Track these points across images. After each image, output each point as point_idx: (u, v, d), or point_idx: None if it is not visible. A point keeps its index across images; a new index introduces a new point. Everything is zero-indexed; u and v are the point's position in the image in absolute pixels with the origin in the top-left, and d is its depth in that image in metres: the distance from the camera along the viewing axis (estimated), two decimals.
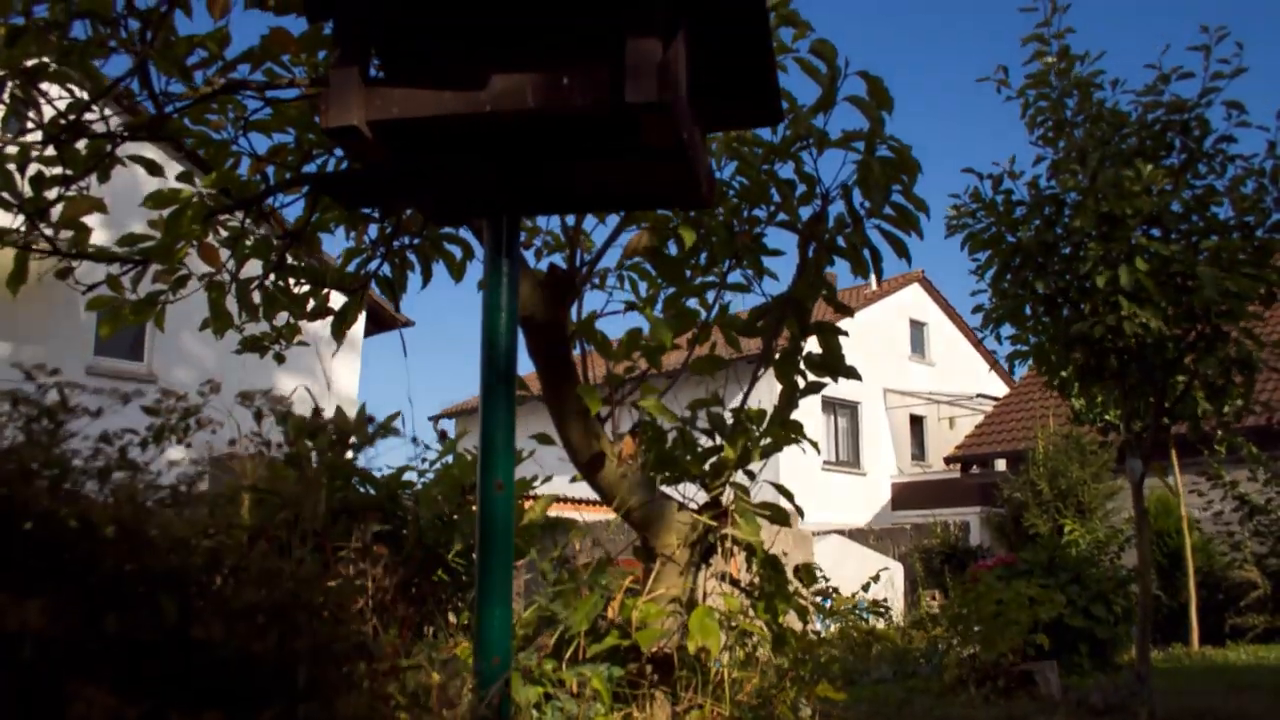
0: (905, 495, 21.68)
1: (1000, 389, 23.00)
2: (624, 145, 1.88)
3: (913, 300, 23.83)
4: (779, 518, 2.99)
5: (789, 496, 3.07)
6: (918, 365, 23.70)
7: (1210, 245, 3.44)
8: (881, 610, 7.24)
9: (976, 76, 3.92)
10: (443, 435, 4.13)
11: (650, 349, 2.85)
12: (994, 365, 18.48)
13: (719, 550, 2.88)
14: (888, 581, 14.05)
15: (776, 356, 3.21)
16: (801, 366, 3.25)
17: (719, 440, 3.10)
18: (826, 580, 11.81)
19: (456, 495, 3.50)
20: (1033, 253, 3.73)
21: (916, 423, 23.45)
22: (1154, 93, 3.85)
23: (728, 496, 2.84)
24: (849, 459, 21.78)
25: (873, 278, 3.24)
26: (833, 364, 3.28)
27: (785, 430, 3.14)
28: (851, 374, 3.48)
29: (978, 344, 24.36)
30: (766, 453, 3.03)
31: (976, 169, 3.94)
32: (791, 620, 3.03)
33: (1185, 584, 10.19)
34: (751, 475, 2.97)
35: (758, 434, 2.86)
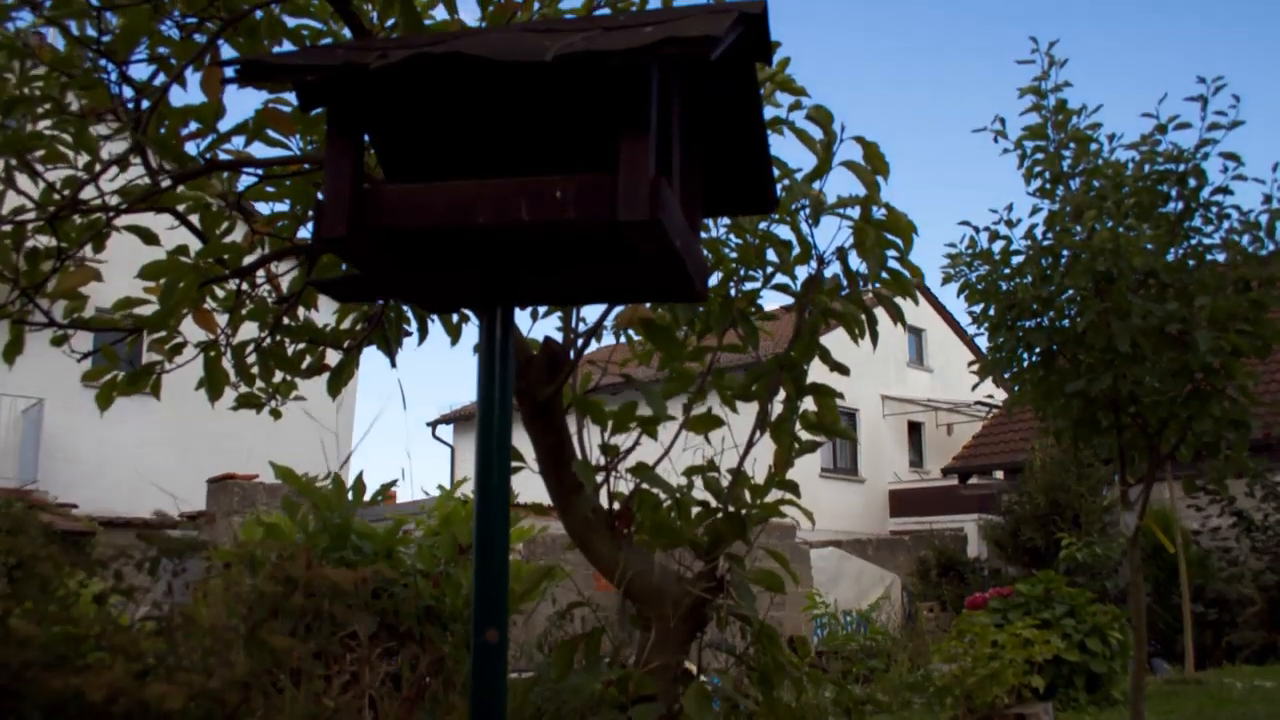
0: (903, 502, 21.70)
1: (999, 395, 23.01)
2: (618, 249, 1.89)
3: (911, 307, 23.79)
4: (774, 585, 3.00)
5: (784, 562, 3.07)
6: (916, 372, 23.71)
7: (1207, 305, 3.44)
8: (878, 641, 7.25)
9: (973, 128, 3.92)
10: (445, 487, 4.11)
11: (646, 420, 2.86)
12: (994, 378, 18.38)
13: (715, 620, 2.88)
14: (885, 595, 14.08)
15: (772, 419, 3.21)
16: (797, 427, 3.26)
17: (714, 503, 3.11)
18: (825, 604, 11.81)
19: (453, 551, 3.51)
20: (1027, 306, 3.74)
21: (914, 429, 23.47)
22: (1151, 143, 3.85)
23: (723, 567, 2.84)
24: (846, 466, 21.81)
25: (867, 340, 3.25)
26: (829, 425, 3.29)
27: (782, 494, 3.16)
28: (846, 435, 3.48)
29: (976, 351, 24.37)
30: (760, 519, 3.04)
31: (975, 201, 3.95)
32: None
33: (1181, 601, 10.20)
34: (748, 543, 2.97)
35: (754, 507, 2.87)
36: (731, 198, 2.28)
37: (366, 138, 1.98)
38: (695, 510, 3.05)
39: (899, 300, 3.25)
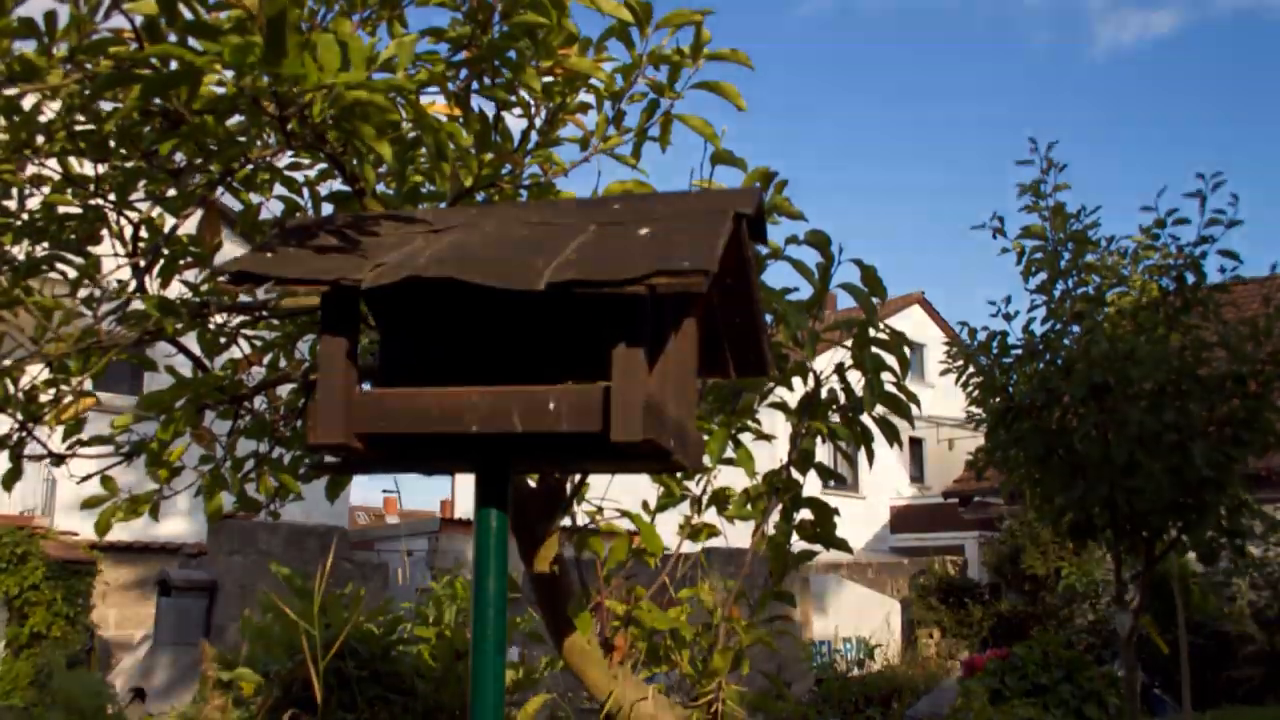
0: (904, 518, 21.71)
1: None
2: (612, 448, 1.90)
3: (913, 321, 23.80)
4: (770, 707, 3.01)
5: (778, 684, 3.09)
6: (917, 387, 23.63)
7: (1204, 415, 3.45)
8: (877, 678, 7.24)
9: (971, 225, 3.92)
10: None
11: (642, 551, 2.87)
12: None
13: None
14: (885, 621, 14.09)
15: (770, 532, 3.22)
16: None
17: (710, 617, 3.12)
18: (819, 651, 11.78)
19: (451, 659, 3.53)
20: (1024, 410, 3.75)
21: (915, 445, 23.45)
22: (1150, 237, 3.85)
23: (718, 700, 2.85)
24: (848, 482, 21.80)
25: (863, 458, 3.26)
26: (825, 536, 3.30)
27: (778, 607, 3.18)
28: (842, 546, 3.50)
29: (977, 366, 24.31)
30: (755, 640, 3.06)
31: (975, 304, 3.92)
32: None
33: (1179, 637, 10.19)
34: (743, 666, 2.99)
35: (747, 639, 2.89)
36: (727, 362, 2.29)
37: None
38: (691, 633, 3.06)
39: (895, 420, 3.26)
